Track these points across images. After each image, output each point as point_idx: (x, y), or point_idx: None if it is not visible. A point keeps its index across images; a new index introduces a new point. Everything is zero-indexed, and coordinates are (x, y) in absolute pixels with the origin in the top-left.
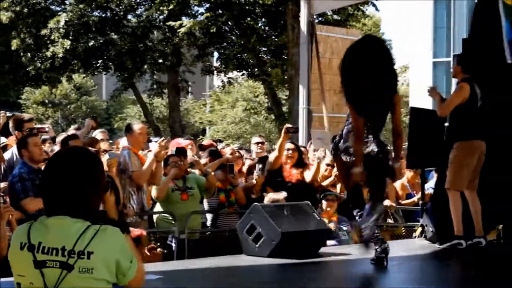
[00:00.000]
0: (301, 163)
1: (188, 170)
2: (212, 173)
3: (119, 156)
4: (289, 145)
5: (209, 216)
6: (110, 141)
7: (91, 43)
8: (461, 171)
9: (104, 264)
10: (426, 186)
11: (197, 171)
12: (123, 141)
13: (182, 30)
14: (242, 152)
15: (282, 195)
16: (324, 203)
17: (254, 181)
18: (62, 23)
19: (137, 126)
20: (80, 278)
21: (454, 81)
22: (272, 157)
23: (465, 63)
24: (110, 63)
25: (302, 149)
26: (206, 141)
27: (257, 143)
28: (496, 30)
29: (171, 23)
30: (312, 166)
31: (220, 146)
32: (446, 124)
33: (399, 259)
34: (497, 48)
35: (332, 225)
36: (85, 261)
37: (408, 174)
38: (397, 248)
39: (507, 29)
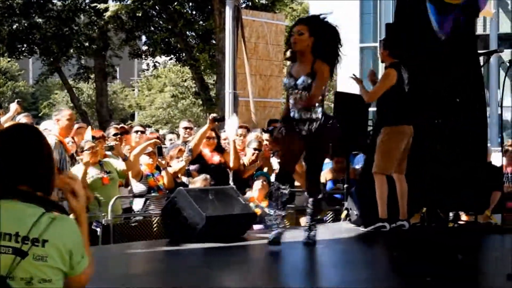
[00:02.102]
0: (219, 148)
1: (105, 154)
2: (139, 158)
3: None
4: (209, 132)
5: (138, 201)
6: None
7: (15, 26)
8: (389, 155)
9: (58, 253)
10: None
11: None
12: (45, 125)
13: (108, 13)
14: (172, 136)
15: (206, 177)
16: (256, 184)
17: (184, 162)
18: None
19: (65, 112)
20: (34, 266)
21: (381, 66)
22: (191, 144)
23: (391, 48)
24: (36, 47)
25: (223, 135)
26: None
27: (185, 127)
28: (421, 14)
29: (97, 5)
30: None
31: (149, 131)
32: (371, 109)
33: (324, 242)
34: (423, 32)
35: (258, 210)
36: (40, 248)
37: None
38: (322, 232)
39: (433, 12)
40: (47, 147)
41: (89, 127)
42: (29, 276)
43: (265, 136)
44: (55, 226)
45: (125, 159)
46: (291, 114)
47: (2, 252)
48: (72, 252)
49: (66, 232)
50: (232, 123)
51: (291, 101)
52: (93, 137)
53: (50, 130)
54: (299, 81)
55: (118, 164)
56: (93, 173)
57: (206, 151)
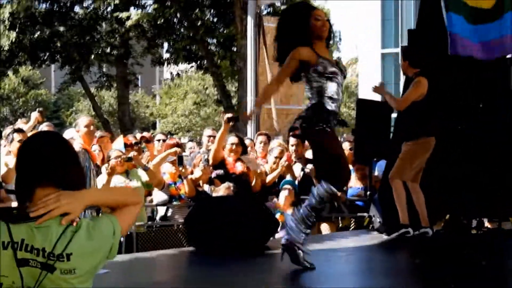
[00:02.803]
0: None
1: (132, 165)
2: (161, 165)
3: None
4: (233, 138)
5: (161, 209)
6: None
7: (37, 35)
8: (411, 164)
9: (84, 259)
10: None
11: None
12: (69, 133)
13: (130, 22)
14: (192, 144)
15: (229, 185)
16: (282, 193)
17: (200, 172)
18: (6, 14)
19: (82, 120)
20: (63, 279)
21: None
22: (212, 150)
23: (410, 57)
24: (57, 55)
25: (247, 141)
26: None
27: (209, 136)
28: (441, 21)
29: (119, 14)
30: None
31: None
32: (394, 115)
33: (347, 250)
34: (442, 40)
35: (282, 216)
36: (66, 263)
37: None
38: (345, 239)
39: (449, 20)
40: (71, 149)
41: (121, 136)
42: (56, 286)
43: (292, 141)
44: (78, 237)
45: (145, 169)
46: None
47: (32, 265)
48: (101, 250)
49: (88, 237)
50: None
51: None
52: (125, 145)
53: (74, 138)
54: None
55: (144, 174)
56: (117, 181)
57: (230, 160)
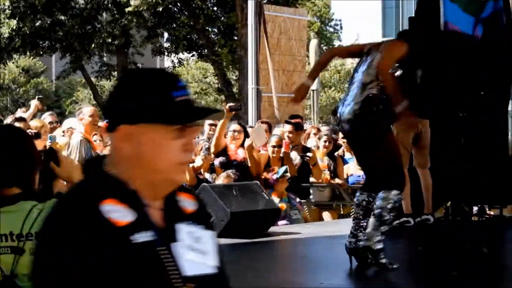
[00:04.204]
0: None
1: None
2: None
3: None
4: (235, 126)
5: None
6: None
7: (37, 24)
8: (404, 146)
9: None
10: None
11: None
12: (69, 123)
13: (129, 8)
14: None
15: (229, 173)
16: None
17: (201, 161)
18: (7, 3)
19: (87, 109)
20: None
21: None
22: (214, 138)
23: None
24: (58, 44)
25: (249, 129)
26: None
27: (210, 124)
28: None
29: (120, 0)
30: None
31: None
32: None
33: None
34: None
35: (284, 204)
36: (34, 242)
37: None
38: (346, 227)
39: (445, 9)
40: (28, 144)
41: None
42: (30, 271)
43: (287, 127)
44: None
45: None
46: None
47: (2, 253)
48: None
49: None
50: (257, 132)
51: None
52: None
53: (75, 128)
54: None
55: None
56: None
57: (232, 147)
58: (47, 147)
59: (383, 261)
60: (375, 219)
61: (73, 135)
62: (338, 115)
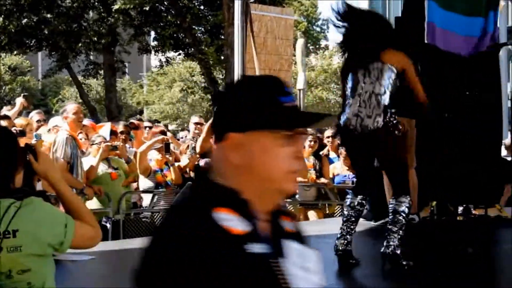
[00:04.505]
0: None
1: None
2: (146, 154)
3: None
4: None
5: (147, 196)
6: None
7: (24, 22)
8: None
9: (32, 239)
10: None
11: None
12: (55, 121)
13: (116, 6)
14: (184, 133)
15: None
16: None
17: (187, 160)
18: None
19: (71, 107)
20: (11, 258)
21: None
22: (200, 139)
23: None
24: (44, 43)
25: None
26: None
27: (196, 123)
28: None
29: None
30: None
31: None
32: None
33: (334, 237)
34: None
35: None
36: (12, 240)
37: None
38: (332, 226)
39: (429, 10)
40: (7, 144)
41: (109, 123)
42: (7, 269)
43: None
44: (22, 213)
45: (128, 161)
46: None
47: None
48: (49, 230)
49: (34, 215)
50: None
51: None
52: (112, 132)
53: (61, 126)
54: None
55: (122, 163)
56: (101, 168)
57: None
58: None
59: (404, 262)
60: (393, 225)
61: (58, 133)
62: (357, 127)
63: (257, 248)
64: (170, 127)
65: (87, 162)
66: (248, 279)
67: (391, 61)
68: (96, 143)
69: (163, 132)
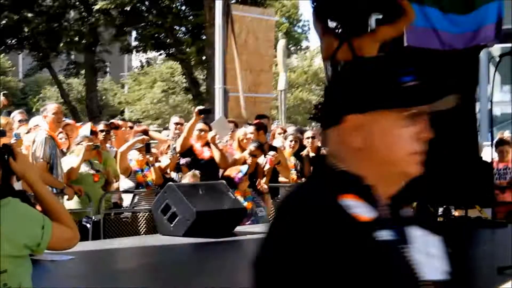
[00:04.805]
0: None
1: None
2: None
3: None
4: (201, 125)
5: (127, 196)
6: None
7: (4, 21)
8: None
9: (7, 240)
10: None
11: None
12: (35, 121)
13: (97, 7)
14: (167, 132)
15: (195, 173)
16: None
17: (168, 160)
18: None
19: (51, 107)
20: None
21: None
22: (181, 138)
23: None
24: (25, 42)
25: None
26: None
27: (176, 123)
28: None
29: None
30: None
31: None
32: None
33: None
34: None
35: (250, 203)
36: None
37: None
38: None
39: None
40: None
41: (89, 123)
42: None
43: (250, 129)
44: None
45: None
46: None
47: None
48: (25, 231)
49: (11, 216)
50: (220, 124)
51: None
52: (92, 132)
53: (41, 126)
54: None
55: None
56: (83, 168)
57: (198, 146)
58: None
59: None
60: None
61: (37, 132)
62: None
63: (385, 234)
64: (151, 127)
65: (69, 161)
66: (379, 267)
67: None
68: (80, 143)
69: (145, 132)
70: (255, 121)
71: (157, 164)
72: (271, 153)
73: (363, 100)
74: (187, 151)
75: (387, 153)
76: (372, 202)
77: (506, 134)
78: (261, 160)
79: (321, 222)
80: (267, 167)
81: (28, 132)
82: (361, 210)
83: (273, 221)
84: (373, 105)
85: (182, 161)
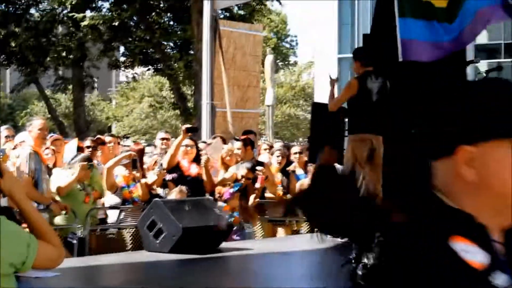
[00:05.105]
0: (198, 159)
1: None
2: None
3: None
4: (187, 141)
5: (113, 212)
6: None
7: None
8: (353, 164)
9: None
10: None
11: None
12: (21, 137)
13: (85, 23)
14: (151, 149)
15: (182, 189)
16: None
17: (155, 177)
18: None
19: (36, 122)
20: None
21: None
22: (168, 155)
23: (361, 58)
24: (13, 57)
25: (201, 145)
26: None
27: (162, 138)
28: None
29: (75, 14)
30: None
31: (129, 142)
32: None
33: (300, 253)
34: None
35: (237, 218)
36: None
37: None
38: (299, 243)
39: (401, 26)
40: None
41: (76, 139)
42: None
43: (237, 144)
44: None
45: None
46: None
47: None
48: (11, 250)
49: None
50: (216, 147)
51: None
52: (79, 148)
53: (25, 141)
54: None
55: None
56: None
57: (184, 162)
58: None
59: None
60: None
61: (22, 148)
62: None
63: (501, 280)
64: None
65: (62, 177)
66: None
67: None
68: (73, 160)
69: (142, 151)
70: (242, 137)
71: (143, 180)
72: (259, 168)
73: (477, 129)
74: (174, 167)
75: (503, 185)
76: (486, 244)
77: None
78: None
79: (435, 268)
80: (257, 185)
81: (14, 148)
82: (473, 255)
83: (384, 256)
84: (487, 134)
85: (169, 176)
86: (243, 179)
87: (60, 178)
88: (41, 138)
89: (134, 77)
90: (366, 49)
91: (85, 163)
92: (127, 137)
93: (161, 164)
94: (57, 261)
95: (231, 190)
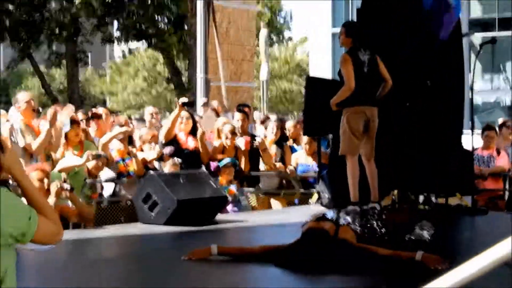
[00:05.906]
0: (195, 131)
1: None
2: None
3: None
4: (183, 113)
5: (108, 186)
6: None
7: None
8: (350, 136)
9: None
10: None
11: None
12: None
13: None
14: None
15: (175, 161)
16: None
17: (155, 155)
18: None
19: (22, 97)
20: None
21: None
22: (164, 129)
23: (349, 31)
24: (6, 33)
25: (196, 117)
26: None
27: (151, 113)
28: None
29: None
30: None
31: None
32: None
33: (296, 226)
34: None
35: (233, 188)
36: None
37: (306, 142)
38: (294, 215)
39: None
40: None
41: (70, 105)
42: None
43: (238, 116)
44: None
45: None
46: None
47: None
48: (11, 222)
49: None
50: (208, 119)
51: None
52: (72, 121)
53: (13, 117)
54: None
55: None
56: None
57: (181, 135)
58: None
59: None
60: None
61: (13, 123)
62: None
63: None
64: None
65: (73, 159)
66: None
67: None
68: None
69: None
70: (244, 109)
71: (141, 156)
72: (258, 139)
73: None
74: (171, 140)
75: None
76: None
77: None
78: (239, 142)
79: None
80: (242, 148)
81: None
82: None
83: None
84: None
85: (166, 150)
86: (229, 140)
87: (68, 160)
88: (30, 111)
89: (130, 50)
90: (353, 23)
91: (93, 152)
92: (117, 114)
93: (161, 143)
94: (56, 237)
95: (219, 164)
